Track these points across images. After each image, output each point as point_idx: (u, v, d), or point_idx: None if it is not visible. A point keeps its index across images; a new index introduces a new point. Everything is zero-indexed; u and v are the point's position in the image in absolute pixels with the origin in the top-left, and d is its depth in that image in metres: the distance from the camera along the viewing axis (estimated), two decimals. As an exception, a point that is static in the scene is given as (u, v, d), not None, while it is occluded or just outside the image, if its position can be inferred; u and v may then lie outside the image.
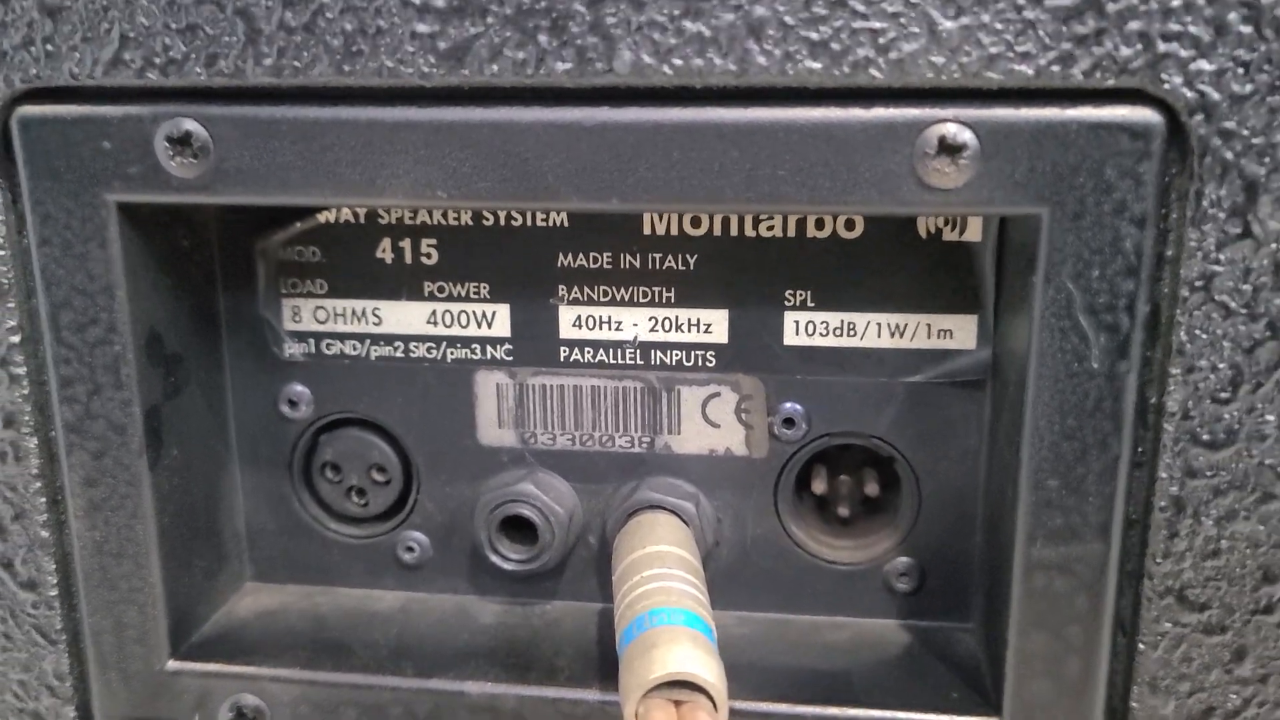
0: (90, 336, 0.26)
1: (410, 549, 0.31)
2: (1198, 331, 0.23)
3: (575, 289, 0.29)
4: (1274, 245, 0.22)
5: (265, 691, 0.29)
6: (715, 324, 0.29)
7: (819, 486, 0.30)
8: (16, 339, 0.27)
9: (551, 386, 0.30)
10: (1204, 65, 0.22)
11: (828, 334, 0.28)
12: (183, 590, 0.29)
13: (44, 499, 0.28)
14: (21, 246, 0.26)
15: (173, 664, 0.29)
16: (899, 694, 0.27)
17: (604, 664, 0.28)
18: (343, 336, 0.30)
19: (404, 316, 0.30)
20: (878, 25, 0.22)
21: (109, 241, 0.26)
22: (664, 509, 0.29)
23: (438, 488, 0.31)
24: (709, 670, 0.23)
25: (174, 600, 0.29)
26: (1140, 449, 0.24)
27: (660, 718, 0.22)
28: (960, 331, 0.28)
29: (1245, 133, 0.22)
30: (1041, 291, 0.23)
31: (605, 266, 0.29)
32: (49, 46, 0.25)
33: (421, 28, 0.23)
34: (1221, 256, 0.23)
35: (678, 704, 0.23)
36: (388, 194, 0.25)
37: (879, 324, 0.28)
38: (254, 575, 0.32)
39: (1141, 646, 0.25)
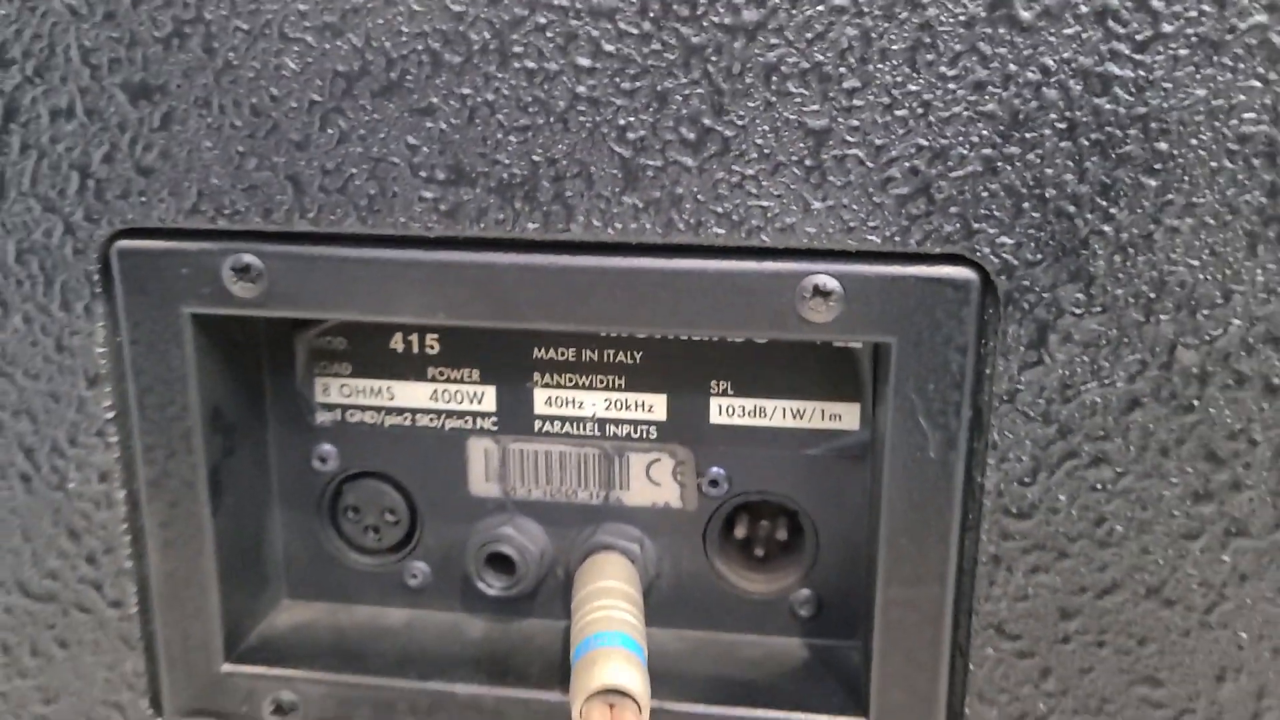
0: (168, 414, 0.33)
1: (414, 576, 0.38)
2: (1006, 432, 0.30)
3: (547, 375, 0.35)
4: (1060, 371, 0.29)
5: (299, 689, 0.35)
6: (656, 405, 0.35)
7: (740, 531, 0.36)
8: (111, 415, 0.33)
9: (528, 451, 0.36)
10: (1006, 240, 0.29)
11: (744, 415, 0.35)
12: (234, 608, 0.36)
13: (128, 537, 0.34)
14: (116, 345, 0.33)
15: (226, 667, 0.35)
16: (793, 698, 0.34)
17: (565, 672, 0.34)
18: (363, 408, 0.37)
19: (411, 393, 0.36)
20: (766, 204, 0.29)
21: (184, 343, 0.32)
22: (615, 550, 0.35)
23: (437, 528, 0.37)
24: (635, 681, 0.30)
25: (227, 616, 0.35)
26: (969, 516, 0.31)
27: (598, 717, 0.29)
28: (847, 415, 0.35)
29: (1037, 288, 0.29)
30: (892, 399, 0.30)
31: (570, 359, 0.35)
32: (142, 198, 0.31)
33: (426, 194, 0.30)
34: (1022, 378, 0.29)
35: (611, 706, 0.30)
36: (400, 314, 0.31)
37: (784, 408, 0.35)
38: (289, 594, 0.38)
39: (972, 667, 0.32)
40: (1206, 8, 0.27)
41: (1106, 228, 0.28)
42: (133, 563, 0.35)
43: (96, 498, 0.34)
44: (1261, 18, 0.26)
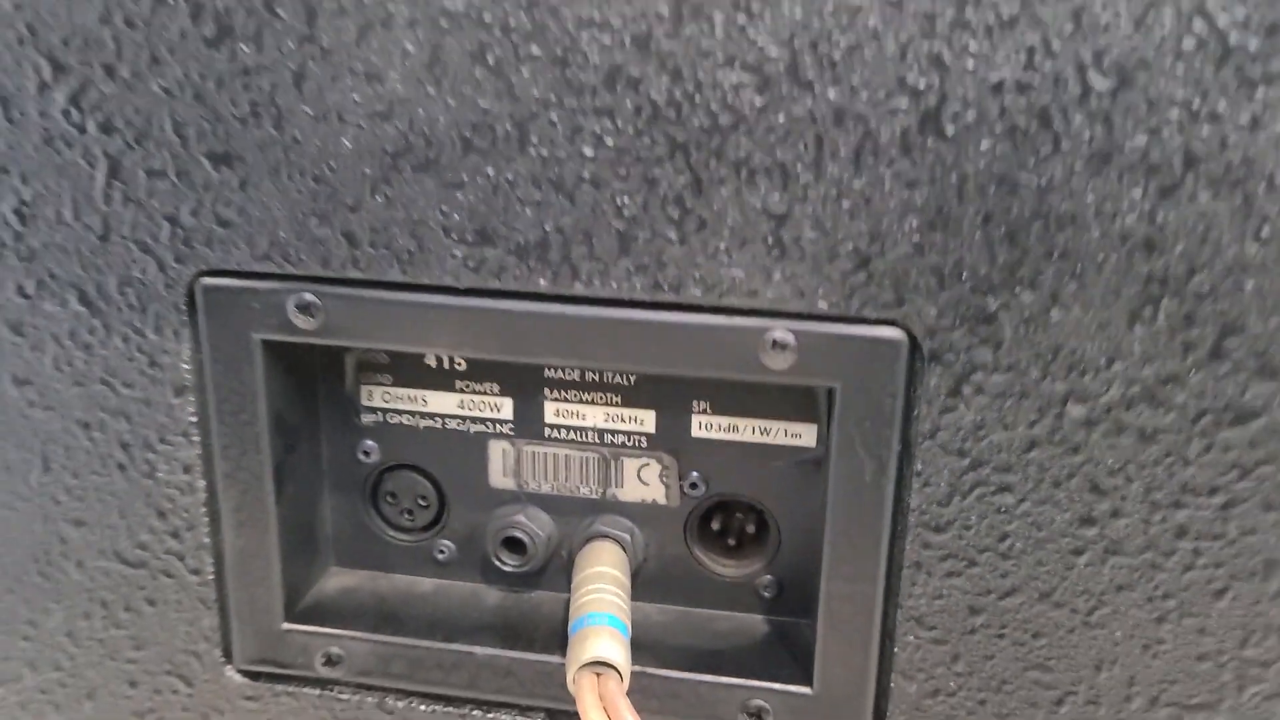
0: (241, 419, 0.39)
1: (442, 552, 0.43)
2: (928, 463, 0.36)
3: (556, 391, 0.41)
4: (973, 416, 0.35)
5: (345, 645, 0.41)
6: (647, 420, 0.41)
7: (715, 524, 0.42)
8: (194, 419, 0.40)
9: (539, 453, 0.42)
10: (930, 309, 0.34)
11: (720, 430, 0.40)
12: (291, 576, 0.41)
13: (207, 518, 0.41)
14: (199, 362, 0.39)
15: (286, 625, 0.41)
16: (754, 667, 0.40)
17: (566, 638, 0.37)
18: (401, 412, 0.42)
19: (442, 402, 0.42)
20: (735, 272, 0.35)
21: (255, 363, 0.38)
22: (609, 537, 0.41)
23: (461, 513, 0.43)
24: (618, 655, 0.36)
25: (286, 583, 0.41)
26: (897, 529, 0.37)
27: (586, 684, 0.36)
28: (806, 434, 0.40)
29: (955, 349, 0.34)
30: (836, 432, 0.36)
31: (576, 379, 0.41)
32: (222, 246, 0.37)
33: (457, 252, 0.36)
34: (942, 420, 0.35)
35: (598, 675, 0.36)
36: (433, 348, 0.37)
37: (753, 426, 0.40)
38: (336, 564, 0.44)
39: (897, 650, 0.37)
40: (1098, 129, 0.32)
41: (1012, 304, 0.34)
42: (210, 539, 0.41)
43: (181, 485, 0.40)
44: (1142, 140, 0.32)
